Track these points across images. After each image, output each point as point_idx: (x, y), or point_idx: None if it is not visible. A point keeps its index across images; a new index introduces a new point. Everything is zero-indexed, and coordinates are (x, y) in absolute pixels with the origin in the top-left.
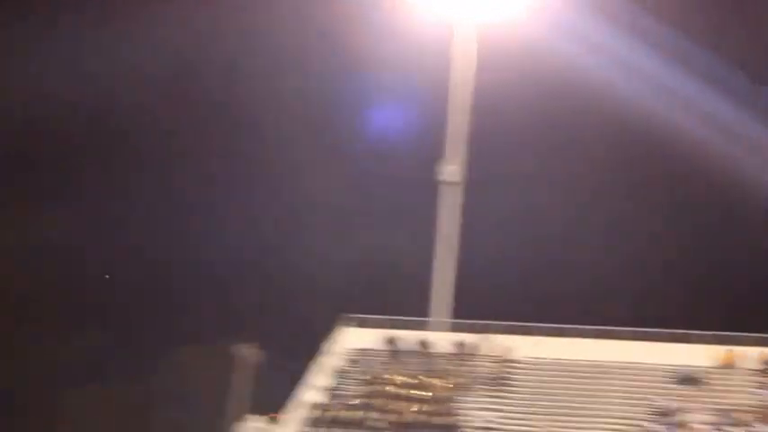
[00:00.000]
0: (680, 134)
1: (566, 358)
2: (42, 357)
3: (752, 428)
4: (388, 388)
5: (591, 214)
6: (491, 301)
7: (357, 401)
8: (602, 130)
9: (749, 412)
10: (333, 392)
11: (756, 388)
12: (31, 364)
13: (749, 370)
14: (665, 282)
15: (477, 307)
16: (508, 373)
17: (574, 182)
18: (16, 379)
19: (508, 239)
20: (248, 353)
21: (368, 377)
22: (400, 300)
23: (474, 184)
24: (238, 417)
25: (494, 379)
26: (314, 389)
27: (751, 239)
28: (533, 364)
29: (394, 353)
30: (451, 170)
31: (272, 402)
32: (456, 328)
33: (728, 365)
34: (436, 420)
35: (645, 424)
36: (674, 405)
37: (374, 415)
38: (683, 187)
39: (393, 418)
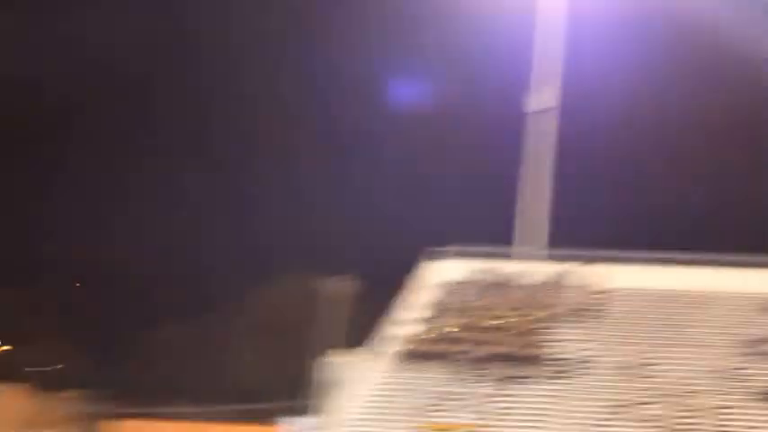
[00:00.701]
0: None
1: (660, 287)
2: None
3: None
4: (475, 320)
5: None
6: (583, 230)
7: (444, 334)
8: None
9: None
10: (419, 325)
11: None
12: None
13: None
14: None
15: (569, 236)
16: (601, 303)
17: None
18: None
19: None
20: (340, 286)
21: (455, 310)
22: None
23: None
24: (328, 350)
25: (586, 309)
26: (401, 322)
27: None
28: (627, 294)
29: (483, 284)
30: (542, 98)
31: (359, 336)
32: (547, 258)
33: None
34: (527, 352)
35: (738, 353)
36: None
37: (462, 348)
38: None
39: (482, 350)
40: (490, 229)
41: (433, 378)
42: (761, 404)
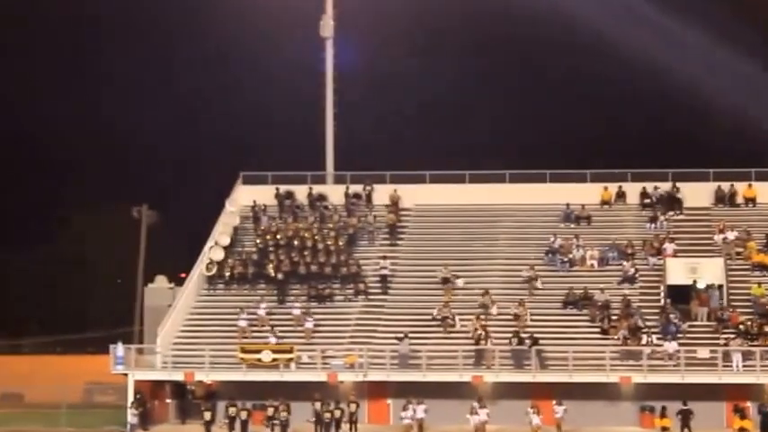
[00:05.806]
0: None
1: (456, 203)
2: None
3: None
4: (284, 241)
5: None
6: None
7: (251, 257)
8: None
9: (633, 245)
10: (231, 249)
11: (637, 221)
12: None
13: (630, 204)
14: None
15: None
16: (400, 221)
17: None
18: None
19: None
20: (144, 214)
21: (264, 232)
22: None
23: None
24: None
25: (387, 227)
26: (213, 247)
27: None
28: (424, 211)
29: (287, 207)
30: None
31: (174, 263)
32: (347, 180)
33: (608, 202)
34: (331, 271)
35: (537, 263)
36: (564, 242)
37: (271, 268)
38: None
39: (290, 269)
40: (293, 153)
41: (242, 300)
42: (561, 310)
